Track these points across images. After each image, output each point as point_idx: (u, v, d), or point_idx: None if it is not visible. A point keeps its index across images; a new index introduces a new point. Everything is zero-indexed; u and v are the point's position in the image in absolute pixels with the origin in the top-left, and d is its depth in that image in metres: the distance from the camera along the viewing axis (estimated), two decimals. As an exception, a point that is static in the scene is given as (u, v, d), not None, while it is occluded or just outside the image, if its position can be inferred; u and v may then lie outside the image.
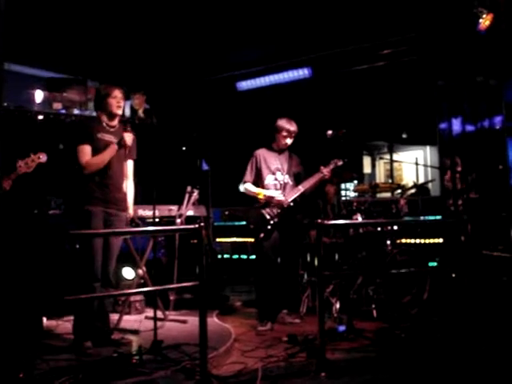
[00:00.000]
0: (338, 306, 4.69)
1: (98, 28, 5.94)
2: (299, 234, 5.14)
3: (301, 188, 4.76)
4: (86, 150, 3.80)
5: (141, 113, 6.79)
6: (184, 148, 7.78)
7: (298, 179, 4.89)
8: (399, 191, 5.78)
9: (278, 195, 4.71)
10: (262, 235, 4.65)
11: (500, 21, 4.86)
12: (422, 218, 6.00)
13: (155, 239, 4.67)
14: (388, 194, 6.83)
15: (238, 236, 7.57)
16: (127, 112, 6.99)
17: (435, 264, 5.72)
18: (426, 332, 4.25)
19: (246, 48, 6.77)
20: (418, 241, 5.96)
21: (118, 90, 3.93)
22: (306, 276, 5.21)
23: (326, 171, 4.77)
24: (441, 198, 6.38)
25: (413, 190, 5.94)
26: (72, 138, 3.90)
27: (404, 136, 8.43)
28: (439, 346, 3.87)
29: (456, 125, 6.11)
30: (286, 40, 6.58)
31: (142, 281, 4.90)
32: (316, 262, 3.51)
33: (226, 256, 7.68)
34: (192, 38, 6.35)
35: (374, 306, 4.82)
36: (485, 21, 4.96)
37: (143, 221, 5.00)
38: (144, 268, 4.84)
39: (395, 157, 8.50)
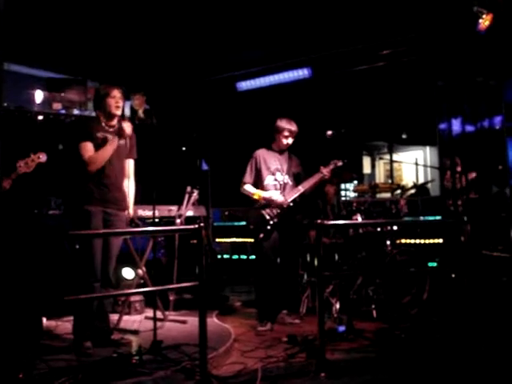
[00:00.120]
0: (337, 306, 4.70)
1: (97, 28, 5.94)
2: (299, 234, 5.13)
3: (300, 188, 4.77)
4: (88, 147, 3.79)
5: (141, 113, 6.79)
6: (184, 148, 7.79)
7: (297, 179, 4.89)
8: (399, 191, 5.79)
9: (276, 196, 4.70)
10: (261, 235, 4.66)
11: (500, 21, 4.86)
12: (421, 218, 6.00)
13: (155, 239, 4.67)
14: (388, 195, 6.82)
15: (237, 236, 7.56)
16: (127, 112, 6.99)
17: (435, 264, 5.71)
18: (426, 332, 4.25)
19: (246, 48, 6.77)
20: (417, 241, 5.96)
21: (117, 90, 3.92)
22: (305, 276, 5.21)
23: (325, 171, 4.77)
24: (440, 198, 6.39)
25: (412, 191, 5.95)
26: (73, 136, 3.90)
27: (404, 136, 8.43)
28: (439, 346, 3.87)
29: (456, 125, 6.11)
30: (286, 40, 6.58)
31: (142, 281, 4.90)
32: (316, 263, 3.51)
33: (225, 256, 7.68)
34: (192, 39, 6.35)
35: (373, 306, 4.82)
36: (484, 21, 4.96)
37: (143, 221, 5.00)
38: (144, 268, 4.84)
39: (395, 157, 8.50)
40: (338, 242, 5.17)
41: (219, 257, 7.52)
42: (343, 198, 7.81)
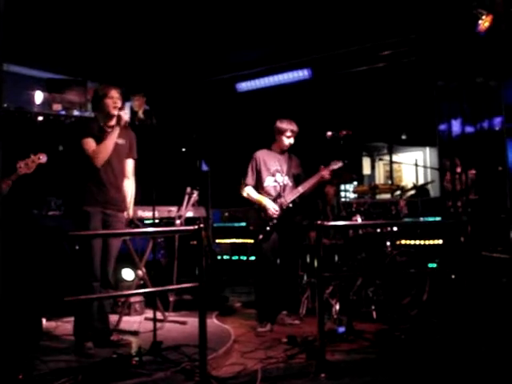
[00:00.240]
0: (337, 307, 4.69)
1: (97, 29, 5.94)
2: (299, 235, 5.13)
3: (300, 189, 4.77)
4: (90, 143, 3.80)
5: (141, 114, 6.79)
6: (184, 149, 7.79)
7: (297, 180, 4.89)
8: (399, 192, 5.78)
9: (270, 209, 4.68)
10: (260, 237, 4.66)
11: (499, 22, 4.86)
12: (421, 219, 6.00)
13: (155, 240, 4.67)
14: (388, 196, 6.82)
15: (237, 237, 7.57)
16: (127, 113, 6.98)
17: (435, 265, 5.71)
18: (426, 333, 4.25)
19: (246, 49, 6.78)
20: (417, 242, 5.96)
21: (115, 90, 3.92)
22: (305, 277, 5.21)
23: (325, 172, 4.77)
24: (440, 199, 6.38)
25: (412, 192, 5.94)
26: (74, 134, 3.91)
27: (403, 137, 8.43)
28: (439, 347, 3.87)
29: (455, 126, 6.11)
30: (286, 41, 6.59)
31: (142, 282, 4.90)
32: (315, 264, 3.51)
33: (225, 257, 7.68)
34: (192, 39, 6.36)
35: (373, 307, 4.82)
36: (484, 22, 4.96)
37: (142, 222, 5.00)
38: (143, 269, 4.84)
39: (395, 158, 8.50)
40: (338, 242, 5.17)
41: (219, 258, 7.53)
42: (343, 199, 7.82)
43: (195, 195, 5.21)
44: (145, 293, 5.09)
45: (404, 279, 4.93)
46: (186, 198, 5.19)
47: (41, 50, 6.42)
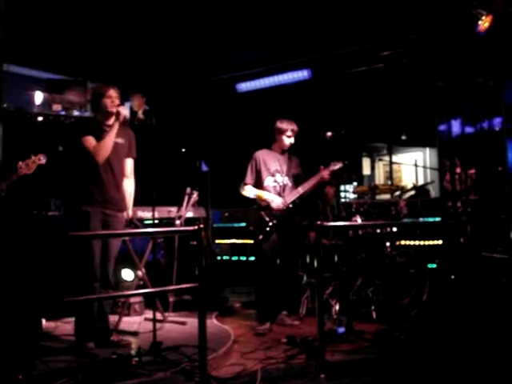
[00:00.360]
0: (337, 307, 4.69)
1: (97, 29, 5.94)
2: (298, 235, 5.13)
3: (300, 190, 4.77)
4: (90, 140, 3.80)
5: (140, 114, 6.78)
6: (183, 149, 7.78)
7: (297, 181, 4.89)
8: (398, 193, 5.79)
9: (275, 202, 4.69)
10: (260, 237, 4.66)
11: (499, 22, 4.86)
12: (421, 219, 6.00)
13: (154, 241, 4.67)
14: (387, 196, 6.82)
15: (237, 237, 7.56)
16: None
17: (434, 266, 5.71)
18: (426, 334, 4.25)
19: (246, 49, 6.78)
20: (417, 242, 5.95)
21: (113, 90, 3.92)
22: (305, 277, 5.21)
23: (325, 173, 4.77)
24: (440, 199, 6.38)
25: (412, 192, 5.94)
26: (73, 134, 3.90)
27: (403, 137, 8.44)
28: (438, 347, 3.87)
29: (455, 126, 6.11)
30: (286, 41, 6.59)
31: (142, 282, 4.89)
32: (315, 264, 3.51)
33: (225, 257, 7.67)
34: (191, 40, 6.36)
35: (373, 307, 4.82)
36: (484, 22, 4.96)
37: (142, 222, 4.99)
38: (143, 269, 4.84)
39: (394, 158, 8.51)
40: (338, 243, 5.16)
41: (219, 258, 7.52)
42: (343, 200, 7.81)
43: (195, 195, 5.21)
44: (144, 293, 5.09)
45: (404, 279, 4.93)
46: (186, 198, 5.18)
47: (41, 50, 6.43)
